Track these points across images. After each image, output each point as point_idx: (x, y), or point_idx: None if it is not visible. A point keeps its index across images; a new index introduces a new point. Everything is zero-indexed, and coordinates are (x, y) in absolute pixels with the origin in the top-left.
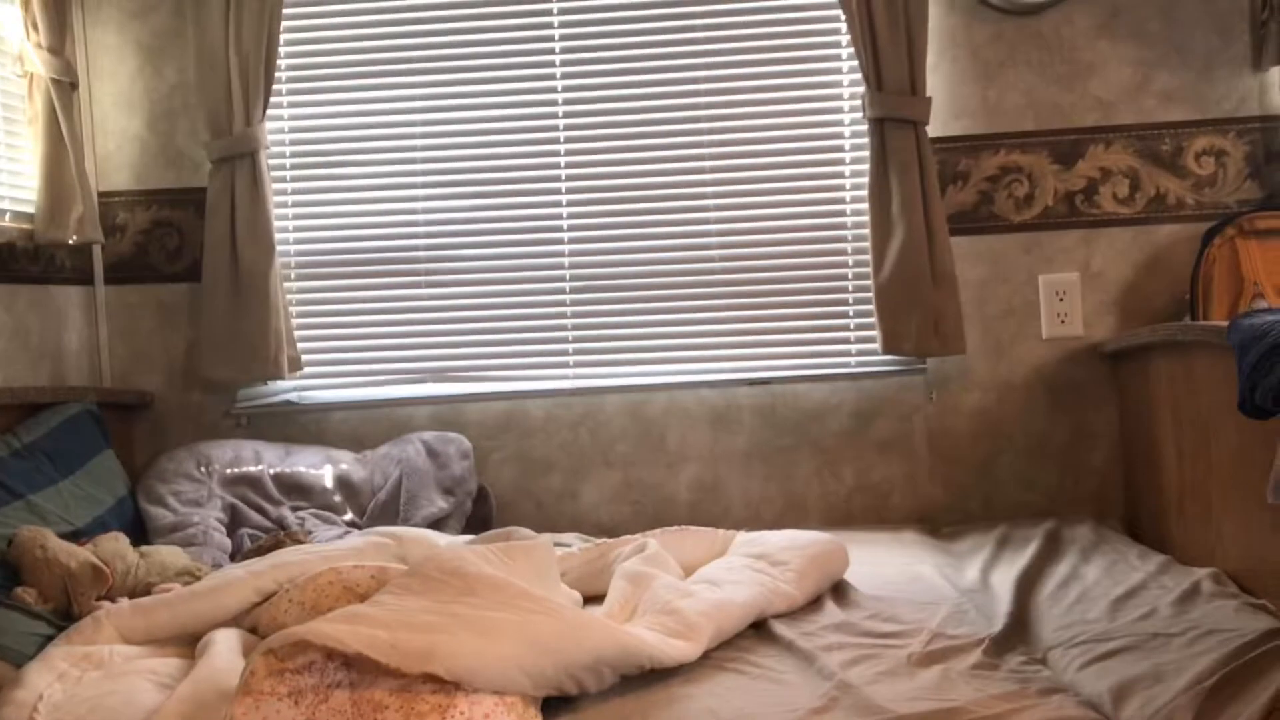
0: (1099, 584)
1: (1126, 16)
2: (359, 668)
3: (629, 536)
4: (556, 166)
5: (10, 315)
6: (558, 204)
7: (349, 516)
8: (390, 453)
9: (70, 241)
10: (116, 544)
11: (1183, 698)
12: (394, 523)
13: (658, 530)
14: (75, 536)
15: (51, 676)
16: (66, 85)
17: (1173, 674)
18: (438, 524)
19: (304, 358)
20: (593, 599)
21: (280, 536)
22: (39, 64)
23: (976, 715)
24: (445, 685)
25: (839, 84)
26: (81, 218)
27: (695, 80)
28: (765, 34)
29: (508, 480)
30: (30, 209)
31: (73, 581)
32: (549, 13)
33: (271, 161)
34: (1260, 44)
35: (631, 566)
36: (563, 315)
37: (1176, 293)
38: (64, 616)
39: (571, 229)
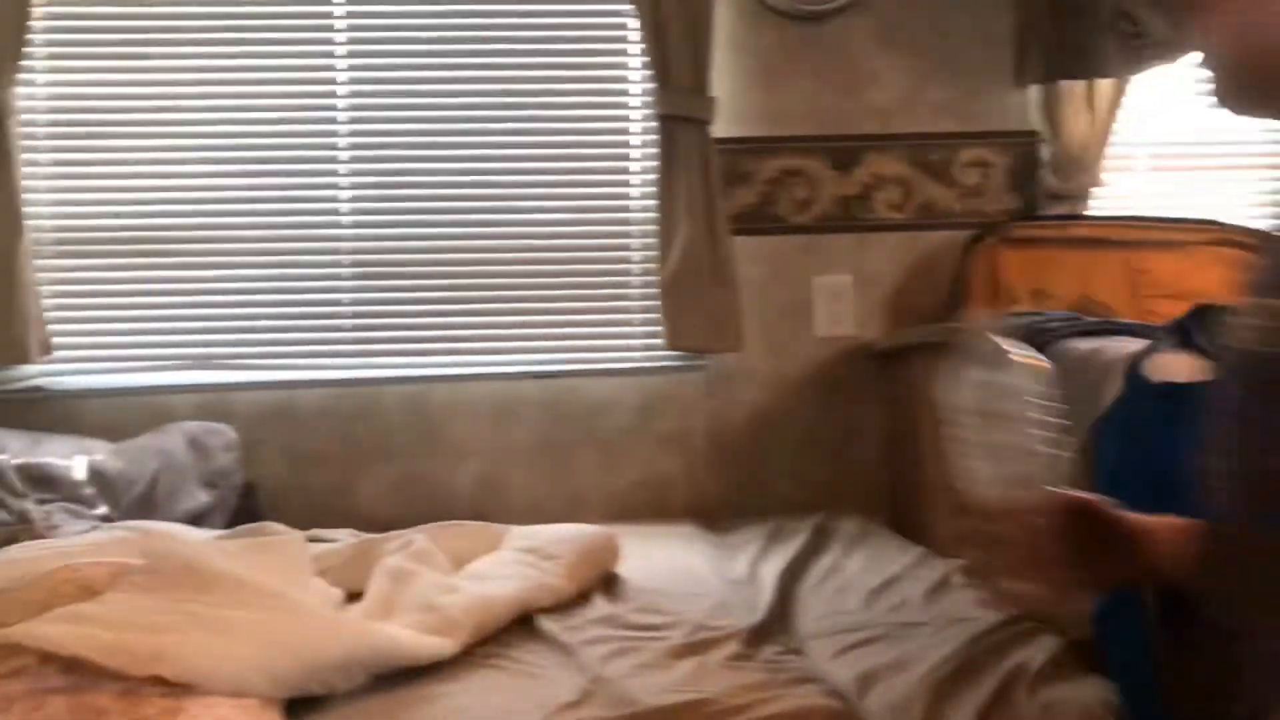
0: (859, 576)
1: (903, 29)
2: (80, 672)
3: (397, 532)
4: (335, 147)
5: None
6: (336, 186)
7: (102, 510)
8: (149, 444)
9: None
10: None
11: (920, 685)
12: (152, 516)
13: (429, 525)
14: None
15: None
16: None
17: (915, 662)
18: (199, 519)
19: (57, 340)
20: (358, 596)
21: (19, 530)
22: None
23: (723, 706)
24: (174, 688)
25: (628, 79)
26: None
27: (486, 66)
28: (558, 24)
29: (278, 474)
30: None
31: None
32: None
33: (25, 130)
34: (1021, 61)
35: (394, 563)
36: (340, 302)
37: (941, 296)
38: None
39: (352, 213)
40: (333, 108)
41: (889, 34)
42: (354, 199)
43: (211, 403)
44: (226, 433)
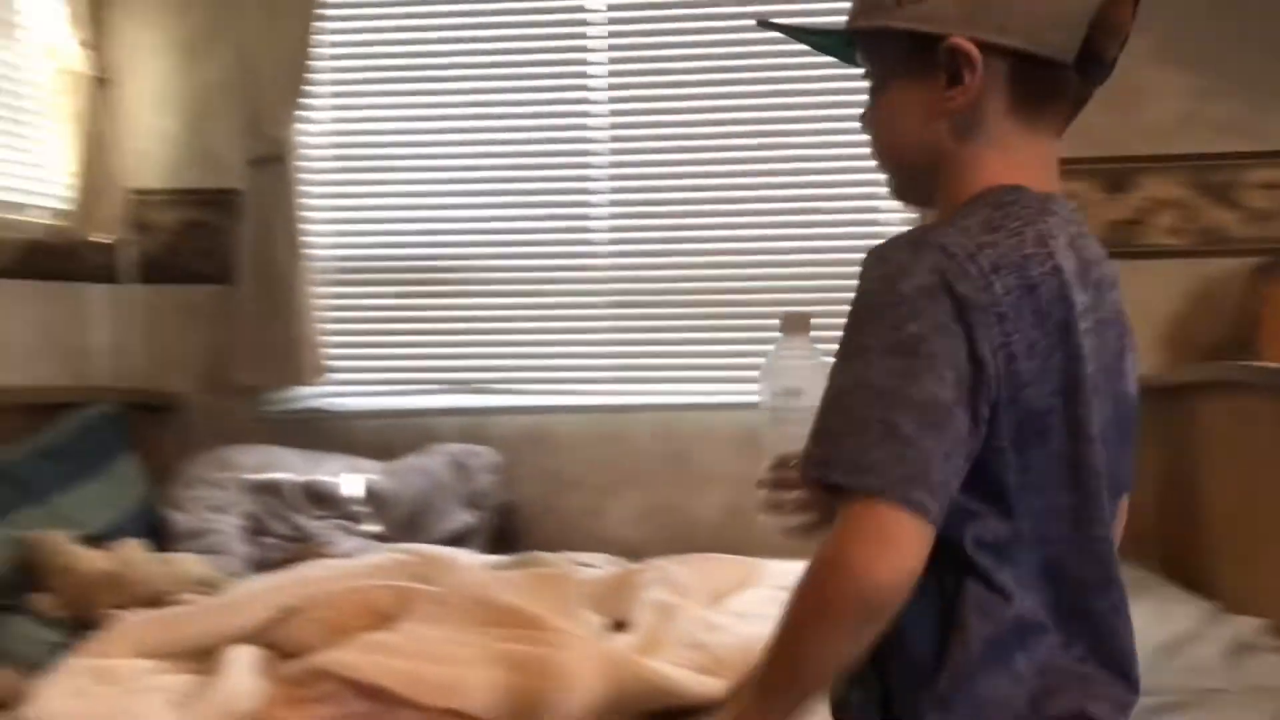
0: (1143, 631)
1: (1181, 40)
2: (379, 698)
3: (654, 562)
4: (596, 179)
5: (36, 313)
6: (597, 216)
7: (372, 528)
8: (415, 464)
9: (100, 240)
10: (134, 551)
11: None
12: (417, 535)
13: (685, 556)
14: (94, 541)
15: (64, 691)
16: (102, 82)
17: None
18: (460, 538)
19: (334, 364)
20: (615, 624)
21: (302, 549)
22: (74, 59)
23: None
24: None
25: None
26: (112, 216)
27: (742, 95)
28: (814, 57)
29: (533, 496)
30: (60, 205)
31: (89, 588)
32: (589, 22)
33: (307, 164)
34: None
35: (656, 596)
36: (597, 330)
37: (1225, 329)
38: (80, 624)
39: (609, 241)
40: (590, 139)
41: (1165, 46)
42: (611, 228)
43: (473, 426)
44: (487, 455)
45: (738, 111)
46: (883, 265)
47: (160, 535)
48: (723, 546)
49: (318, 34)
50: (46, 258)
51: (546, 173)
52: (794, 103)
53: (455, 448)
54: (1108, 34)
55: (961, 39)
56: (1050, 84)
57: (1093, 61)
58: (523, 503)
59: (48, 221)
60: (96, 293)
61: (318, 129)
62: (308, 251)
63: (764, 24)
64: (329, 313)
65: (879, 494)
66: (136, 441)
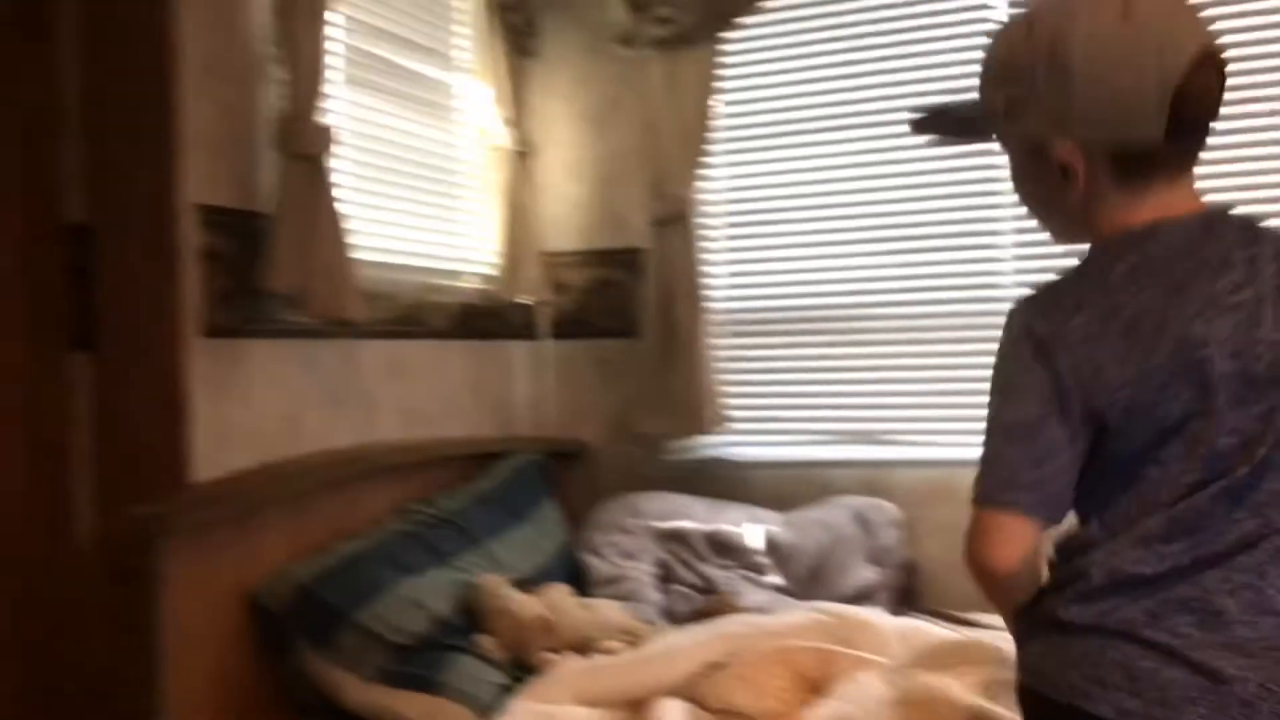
0: None
1: None
2: None
3: None
4: (998, 219)
5: (469, 370)
6: (999, 259)
7: (774, 579)
8: (817, 517)
9: (524, 301)
10: (562, 596)
11: None
12: (819, 590)
13: None
14: (524, 584)
15: None
16: (523, 155)
17: None
18: (865, 595)
19: (732, 414)
20: None
21: (714, 601)
22: (499, 136)
23: None
24: None
25: None
26: (533, 278)
27: None
28: None
29: (938, 553)
30: (487, 270)
31: (524, 632)
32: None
33: (706, 221)
34: None
35: None
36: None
37: None
38: (517, 664)
39: (1016, 285)
40: (996, 179)
41: None
42: (1016, 269)
43: (872, 478)
44: (890, 509)
45: None
46: (1006, 320)
47: (579, 579)
48: None
49: (716, 96)
50: (477, 319)
51: (947, 215)
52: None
53: (857, 501)
54: (1194, 103)
55: (1061, 149)
56: (1148, 159)
57: (1187, 128)
58: (926, 559)
59: (477, 286)
60: (518, 349)
61: (715, 186)
62: (708, 305)
63: (915, 125)
64: (729, 364)
65: (980, 502)
66: (554, 488)
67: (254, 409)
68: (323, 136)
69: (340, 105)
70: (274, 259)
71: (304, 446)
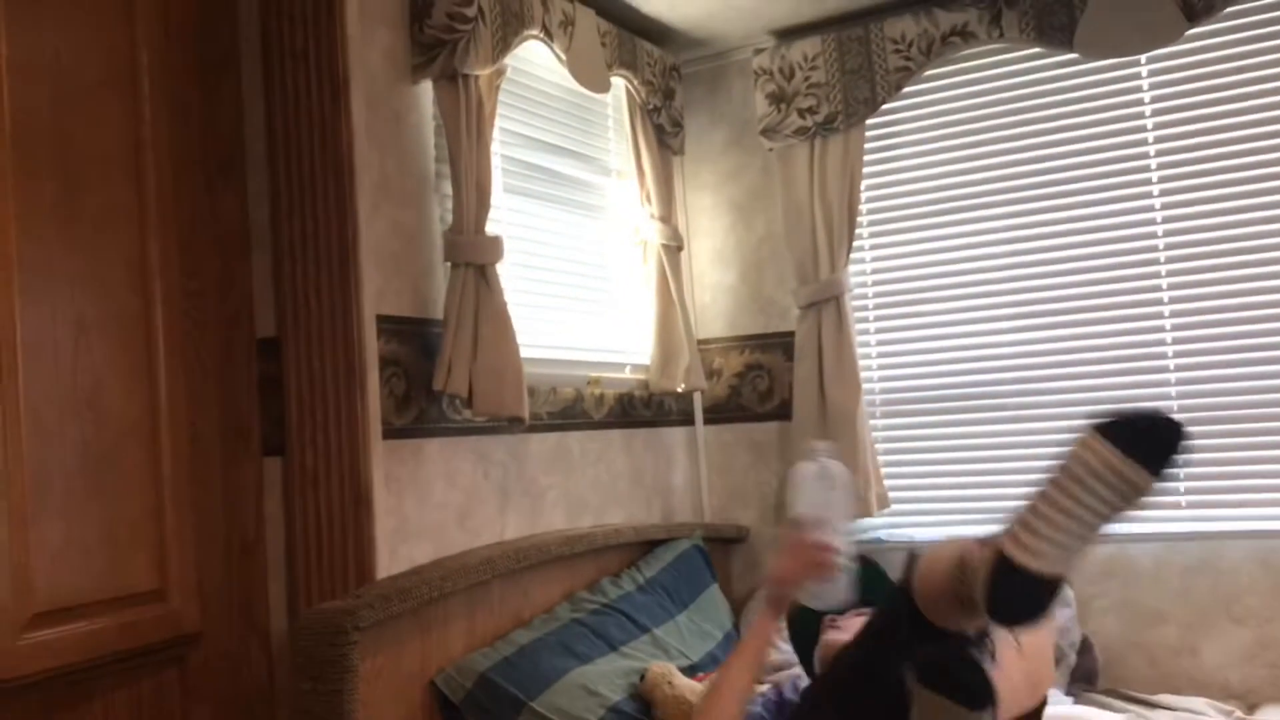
0: None
1: None
2: None
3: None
4: (1158, 289)
5: (629, 457)
6: (1161, 329)
7: None
8: None
9: (679, 390)
10: None
11: None
12: None
13: None
14: (691, 671)
15: None
16: (674, 249)
17: None
18: None
19: (891, 495)
20: None
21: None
22: (652, 233)
23: None
24: None
25: None
26: (688, 367)
27: None
28: None
29: (1112, 631)
30: (645, 360)
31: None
32: (1142, 128)
33: (854, 303)
34: None
35: None
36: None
37: None
38: None
39: (1178, 355)
40: (1154, 249)
41: None
42: (1179, 340)
43: None
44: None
45: None
46: None
47: None
48: None
49: (861, 178)
50: (635, 408)
51: (1102, 289)
52: None
53: None
54: None
55: None
56: None
57: None
58: (1101, 638)
59: (635, 376)
60: (675, 436)
61: (865, 267)
62: (862, 386)
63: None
64: (886, 444)
65: None
66: (717, 573)
67: (430, 504)
68: (494, 247)
69: (499, 213)
70: (447, 363)
71: (476, 539)
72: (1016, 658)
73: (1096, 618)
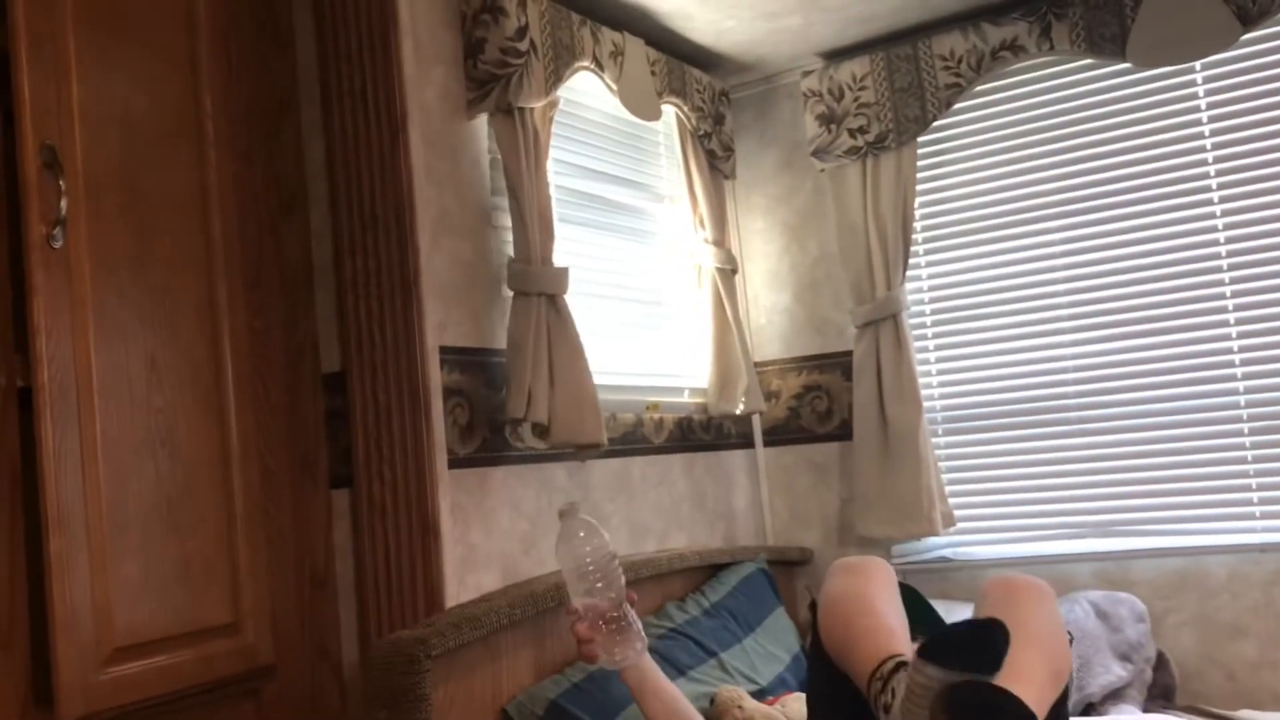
0: None
1: None
2: None
3: None
4: (1222, 297)
5: (690, 481)
6: (1227, 336)
7: None
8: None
9: (737, 412)
10: (801, 705)
11: None
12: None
13: None
14: (760, 694)
15: None
16: (728, 272)
17: None
18: (1117, 694)
19: (957, 513)
20: None
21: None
22: (707, 257)
23: None
24: None
25: None
26: (746, 389)
27: None
28: None
29: (1188, 646)
30: (703, 384)
31: None
32: (1200, 135)
33: (912, 320)
34: None
35: None
36: (1243, 460)
37: None
38: None
39: (1245, 363)
40: (1217, 256)
41: None
42: (1245, 348)
43: (1111, 570)
44: (1135, 603)
45: None
46: None
47: None
48: None
49: (915, 194)
50: (694, 432)
51: (1170, 297)
52: None
53: (1097, 595)
54: None
55: None
56: None
57: None
58: (1177, 654)
59: (695, 400)
60: (735, 459)
61: (922, 284)
62: (923, 404)
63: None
64: (949, 462)
65: None
66: (782, 595)
67: (496, 532)
68: (562, 278)
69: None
70: (526, 391)
71: (543, 566)
72: (1036, 657)
73: (1172, 633)
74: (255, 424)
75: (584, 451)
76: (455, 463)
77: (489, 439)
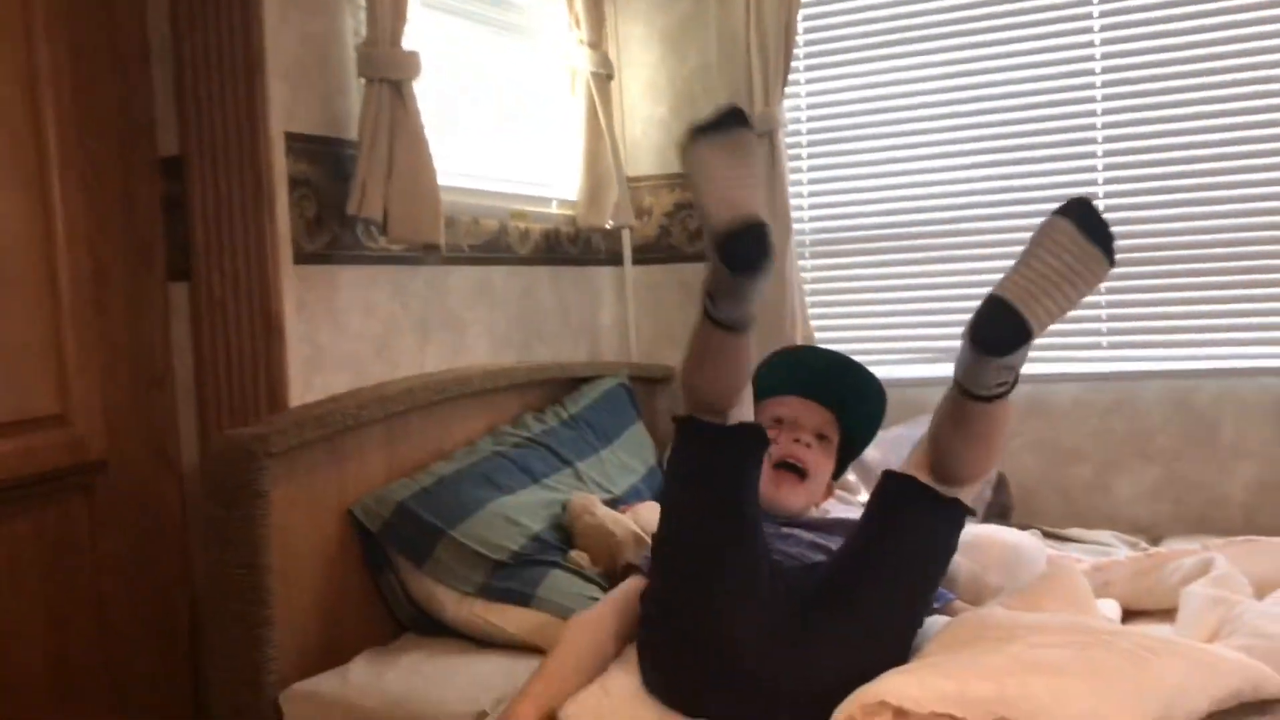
0: None
1: None
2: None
3: (1185, 547)
4: (1091, 128)
5: (555, 295)
6: (1092, 169)
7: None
8: (905, 434)
9: (607, 226)
10: (652, 513)
11: None
12: None
13: (1220, 541)
14: (614, 504)
15: None
16: (604, 78)
17: None
18: None
19: (817, 335)
20: (1133, 614)
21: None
22: (581, 59)
23: None
24: None
25: None
26: (617, 203)
27: (1256, 19)
28: None
29: (1029, 468)
30: (572, 196)
31: (617, 548)
32: None
33: (787, 140)
34: None
35: (1203, 591)
36: (1095, 291)
37: None
38: (608, 579)
39: (1108, 195)
40: (1090, 87)
41: None
42: (1109, 180)
43: None
44: None
45: (1243, 43)
46: None
47: None
48: (1250, 528)
49: (799, 9)
50: (561, 245)
51: (1037, 125)
52: None
53: None
54: None
55: None
56: None
57: None
58: (1018, 475)
59: (563, 213)
60: (603, 275)
61: (799, 102)
62: (792, 226)
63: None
64: (813, 285)
65: None
66: (641, 411)
67: (346, 334)
68: (411, 62)
69: (418, 28)
70: (361, 185)
71: (395, 371)
72: None
73: (1016, 456)
74: (85, 207)
75: (431, 253)
76: (301, 258)
77: (339, 236)
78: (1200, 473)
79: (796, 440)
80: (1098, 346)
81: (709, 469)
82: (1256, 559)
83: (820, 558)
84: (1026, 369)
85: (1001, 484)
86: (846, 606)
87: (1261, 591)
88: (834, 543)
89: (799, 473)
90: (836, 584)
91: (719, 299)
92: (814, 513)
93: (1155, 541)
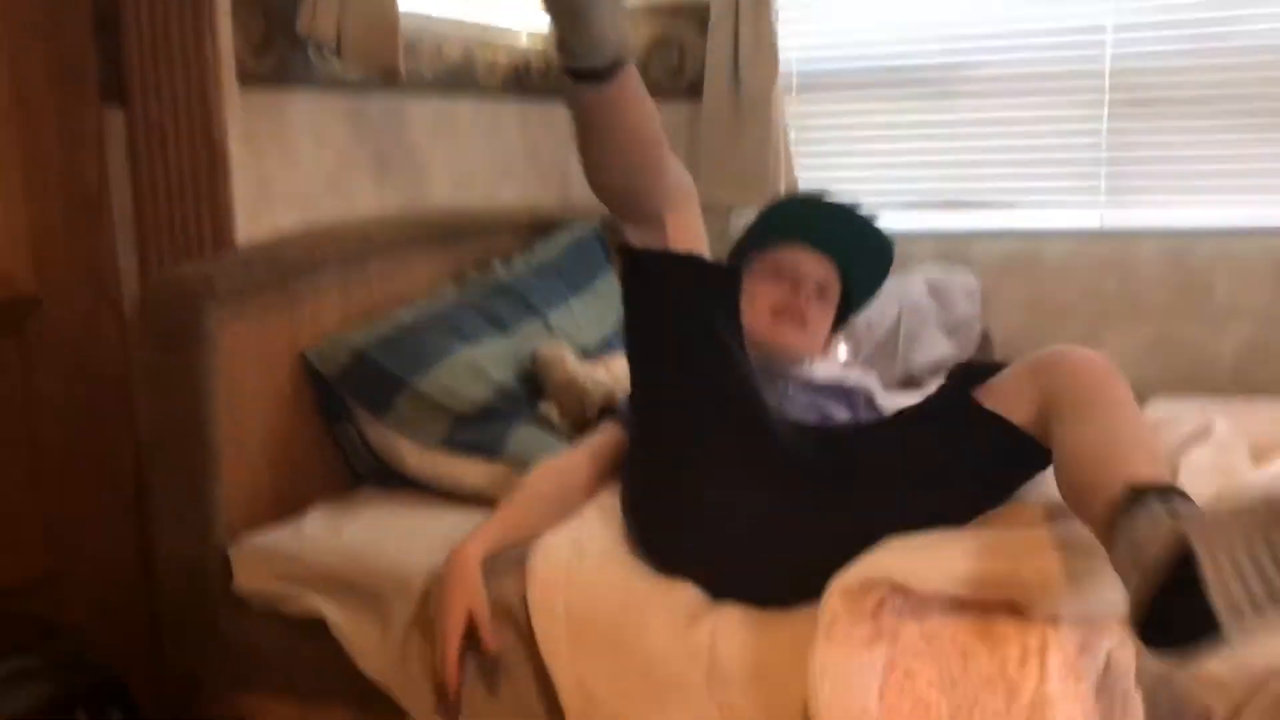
0: None
1: None
2: (930, 604)
3: (1161, 402)
4: None
5: (524, 132)
6: (1099, 10)
7: (842, 352)
8: (891, 288)
9: None
10: (623, 363)
11: None
12: (892, 363)
13: (1217, 403)
14: (586, 355)
15: None
16: None
17: None
18: (939, 369)
19: (803, 179)
20: None
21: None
22: None
23: None
24: (1030, 625)
25: None
26: None
27: None
28: None
29: (1016, 326)
30: (544, 29)
31: (588, 401)
32: None
33: None
34: None
35: (1206, 458)
36: (1096, 143)
37: None
38: (578, 431)
39: (1118, 28)
40: None
41: None
42: (1119, 27)
43: (950, 247)
44: (968, 279)
45: None
46: None
47: None
48: (1240, 387)
49: None
50: (531, 79)
51: None
52: None
53: (935, 271)
54: None
55: None
56: None
57: None
58: (1004, 333)
59: (533, 45)
60: None
61: None
62: (779, 63)
63: None
64: (800, 127)
65: None
66: (613, 259)
67: (297, 167)
68: None
69: None
70: (311, 1)
71: (351, 210)
72: None
73: (1002, 313)
74: (3, 12)
75: (389, 80)
76: (247, 79)
77: (288, 58)
78: (1191, 332)
79: (796, 293)
80: (1094, 203)
81: (680, 302)
82: (1253, 422)
83: (815, 418)
84: (1018, 223)
85: (986, 341)
86: (885, 508)
87: (1258, 454)
88: (833, 407)
89: (798, 321)
90: (877, 480)
91: (567, 38)
92: (805, 369)
93: (1142, 400)
